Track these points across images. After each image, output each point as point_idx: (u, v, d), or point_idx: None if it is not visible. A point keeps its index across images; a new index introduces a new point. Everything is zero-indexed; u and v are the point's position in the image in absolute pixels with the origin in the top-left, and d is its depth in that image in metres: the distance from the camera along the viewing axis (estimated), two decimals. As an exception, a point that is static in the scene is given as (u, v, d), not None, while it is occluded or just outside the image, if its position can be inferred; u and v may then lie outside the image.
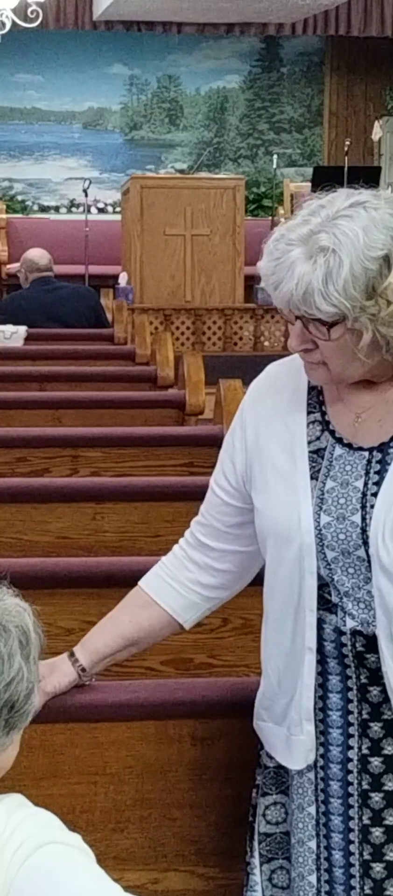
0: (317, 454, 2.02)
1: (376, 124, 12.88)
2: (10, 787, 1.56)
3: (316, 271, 1.86)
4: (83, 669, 2.20)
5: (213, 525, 2.18)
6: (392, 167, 12.74)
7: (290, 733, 2.06)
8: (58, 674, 2.19)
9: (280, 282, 1.90)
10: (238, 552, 2.18)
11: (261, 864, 2.15)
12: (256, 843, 2.16)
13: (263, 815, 2.15)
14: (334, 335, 1.90)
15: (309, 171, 12.40)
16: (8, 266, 11.75)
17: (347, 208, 1.89)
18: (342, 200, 1.91)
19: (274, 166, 11.54)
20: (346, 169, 10.01)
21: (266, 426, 2.08)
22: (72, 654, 2.21)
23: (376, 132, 12.81)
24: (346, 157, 10.54)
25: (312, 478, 2.01)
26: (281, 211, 12.15)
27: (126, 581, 2.42)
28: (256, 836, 2.16)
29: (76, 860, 1.45)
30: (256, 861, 2.16)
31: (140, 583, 2.25)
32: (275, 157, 11.71)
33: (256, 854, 2.16)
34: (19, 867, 1.43)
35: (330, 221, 1.88)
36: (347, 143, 10.94)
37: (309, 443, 2.03)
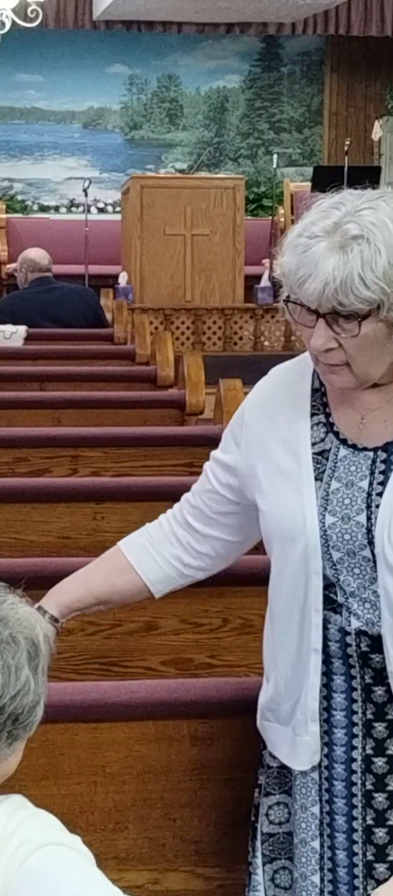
0: (321, 455, 2.01)
1: (376, 124, 12.87)
2: (9, 787, 1.56)
3: (352, 260, 1.83)
4: (55, 620, 2.22)
5: (200, 508, 2.22)
6: (392, 167, 12.73)
7: (295, 734, 2.05)
8: None
9: (308, 276, 1.86)
10: (219, 539, 2.22)
11: (263, 865, 2.14)
12: (258, 844, 2.15)
13: (266, 815, 2.14)
14: (365, 329, 1.87)
15: (309, 170, 12.39)
16: (8, 266, 11.75)
17: (366, 201, 1.88)
18: (356, 198, 1.89)
19: (274, 166, 11.51)
20: (346, 169, 10.00)
21: (270, 429, 2.07)
22: (40, 608, 2.16)
23: (376, 132, 12.80)
24: (346, 157, 10.51)
25: (316, 479, 2.00)
26: (281, 211, 12.14)
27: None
28: (258, 836, 2.15)
29: (75, 862, 1.45)
30: (258, 861, 2.15)
31: (121, 545, 2.28)
32: (275, 156, 11.68)
33: (259, 854, 2.15)
34: (18, 868, 1.42)
35: (354, 214, 1.86)
36: (347, 142, 10.92)
37: (313, 444, 2.02)
